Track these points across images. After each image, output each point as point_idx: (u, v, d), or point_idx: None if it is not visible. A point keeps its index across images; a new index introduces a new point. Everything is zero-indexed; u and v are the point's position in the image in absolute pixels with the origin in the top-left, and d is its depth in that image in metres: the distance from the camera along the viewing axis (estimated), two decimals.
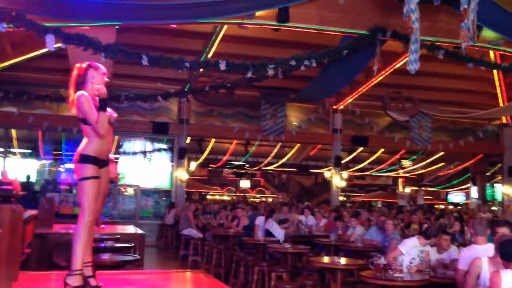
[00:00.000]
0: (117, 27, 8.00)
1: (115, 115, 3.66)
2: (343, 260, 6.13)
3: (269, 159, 21.03)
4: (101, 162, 3.50)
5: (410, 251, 5.39)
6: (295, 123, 15.89)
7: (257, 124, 15.19)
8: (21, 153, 17.66)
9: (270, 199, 25.96)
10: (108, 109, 3.54)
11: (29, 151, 17.95)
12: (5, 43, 11.22)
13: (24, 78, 13.37)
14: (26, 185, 14.41)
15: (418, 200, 18.88)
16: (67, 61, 9.36)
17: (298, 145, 19.27)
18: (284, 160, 21.03)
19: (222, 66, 7.80)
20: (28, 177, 15.27)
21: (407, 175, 23.55)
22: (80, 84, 3.53)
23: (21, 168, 16.54)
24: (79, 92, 3.47)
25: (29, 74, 13.26)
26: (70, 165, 16.28)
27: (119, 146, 15.96)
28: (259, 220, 9.59)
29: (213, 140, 18.58)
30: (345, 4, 8.30)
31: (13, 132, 15.69)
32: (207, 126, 15.23)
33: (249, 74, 8.12)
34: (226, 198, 25.59)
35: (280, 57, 8.28)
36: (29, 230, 6.30)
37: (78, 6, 6.74)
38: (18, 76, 13.18)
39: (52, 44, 6.69)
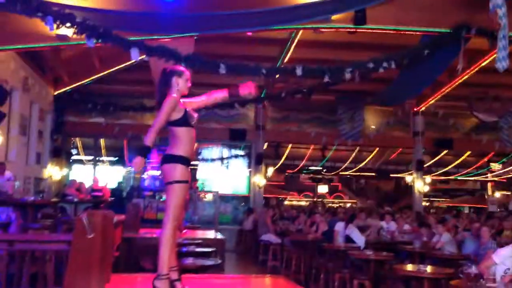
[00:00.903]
0: (195, 37, 8.24)
1: (195, 115, 3.76)
2: (429, 269, 5.87)
3: (347, 163, 20.73)
4: (189, 164, 3.59)
5: (505, 261, 5.05)
6: (373, 127, 15.54)
7: (334, 129, 15.01)
8: (108, 161, 18.70)
9: (348, 205, 25.50)
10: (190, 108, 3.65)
11: (116, 159, 18.96)
12: (94, 58, 11.99)
13: (110, 90, 14.18)
14: (114, 191, 15.20)
15: (510, 205, 17.74)
16: (149, 73, 9.79)
17: (377, 149, 18.83)
18: (362, 164, 20.64)
19: (299, 72, 7.78)
20: (119, 183, 16.10)
21: (496, 178, 22.24)
22: (165, 89, 3.66)
23: (109, 175, 17.50)
24: (170, 95, 3.58)
25: (114, 86, 14.05)
26: (153, 172, 17.00)
27: (197, 153, 16.42)
28: (339, 225, 9.45)
29: (290, 145, 18.61)
30: (424, 2, 8.00)
31: (102, 141, 16.61)
32: (284, 131, 15.26)
33: (326, 79, 8.03)
34: (303, 203, 25.48)
35: (358, 60, 8.13)
36: (118, 234, 6.64)
37: (160, 20, 7.03)
38: (105, 88, 14.00)
39: (137, 56, 7.03)
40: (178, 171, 3.48)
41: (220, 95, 3.96)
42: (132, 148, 16.98)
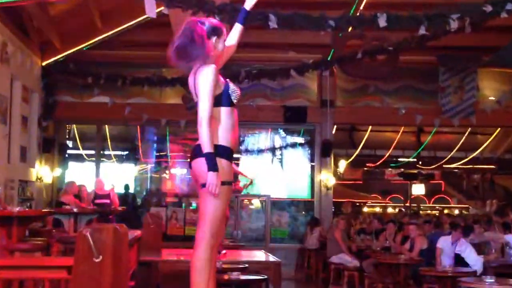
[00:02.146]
0: None
1: (238, 91, 3.79)
2: None
3: (453, 152, 20.36)
4: (232, 157, 3.70)
5: None
6: (491, 98, 15.17)
7: (434, 103, 14.76)
8: (116, 156, 19.11)
9: (456, 211, 25.00)
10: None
11: (125, 152, 19.33)
12: (94, 14, 12.21)
13: (118, 58, 14.46)
14: (125, 198, 15.55)
15: None
16: (169, 32, 9.89)
17: (498, 130, 18.38)
18: (476, 153, 20.23)
19: (382, 22, 7.69)
20: (127, 187, 16.44)
21: None
22: (200, 54, 3.71)
23: (117, 174, 17.89)
24: (209, 65, 3.67)
25: (123, 52, 14.29)
26: (178, 170, 17.27)
27: (239, 143, 16.53)
28: (444, 241, 9.33)
29: (369, 128, 18.41)
30: None
31: (107, 129, 16.93)
32: (361, 108, 15.11)
33: (422, 31, 7.90)
34: (390, 210, 25.16)
35: (468, 2, 7.94)
36: (133, 257, 6.79)
37: None
38: (110, 55, 14.28)
39: (153, 9, 7.10)
40: (221, 167, 3.55)
41: (233, 32, 4.09)
42: (148, 139, 17.28)
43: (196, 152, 3.67)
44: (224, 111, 3.70)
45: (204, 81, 3.63)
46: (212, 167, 3.51)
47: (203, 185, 3.56)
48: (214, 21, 3.94)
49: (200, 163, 3.61)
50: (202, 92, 3.63)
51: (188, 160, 3.84)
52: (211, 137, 3.57)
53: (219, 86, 3.70)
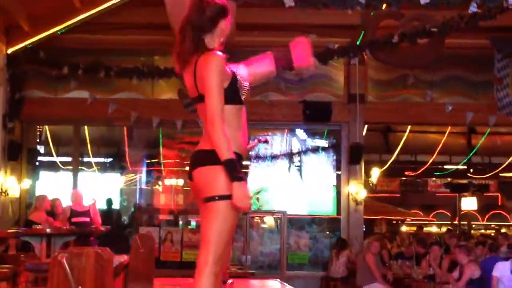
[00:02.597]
0: None
1: (247, 85, 3.81)
2: None
3: None
4: (242, 164, 3.74)
5: None
6: None
7: (488, 97, 14.78)
8: (98, 164, 19.11)
9: None
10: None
11: (109, 159, 19.33)
12: None
13: (99, 44, 14.47)
14: (108, 215, 15.55)
15: None
16: (163, 11, 9.91)
17: None
18: None
19: None
20: (111, 202, 16.47)
21: None
22: (201, 38, 3.79)
23: (99, 186, 17.87)
24: (213, 53, 3.72)
25: (105, 36, 14.31)
26: (175, 181, 17.25)
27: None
28: (502, 268, 9.29)
29: (408, 128, 18.35)
30: None
31: (86, 130, 16.95)
32: (398, 104, 15.06)
33: (473, 8, 7.88)
34: (435, 229, 25.09)
35: None
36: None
37: None
38: (91, 41, 14.29)
39: None
40: (224, 178, 3.57)
41: (262, 68, 4.01)
42: (136, 142, 17.27)
43: (199, 159, 3.71)
44: (229, 109, 3.71)
45: (211, 71, 3.65)
46: (237, 176, 3.53)
47: (207, 199, 3.59)
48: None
49: (205, 173, 3.64)
50: (210, 85, 3.64)
51: (188, 168, 3.86)
52: (228, 139, 3.58)
53: (225, 79, 3.71)
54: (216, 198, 3.55)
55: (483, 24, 11.18)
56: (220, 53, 3.74)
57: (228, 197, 3.53)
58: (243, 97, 3.78)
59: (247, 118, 3.86)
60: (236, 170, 3.55)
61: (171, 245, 14.17)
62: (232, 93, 3.71)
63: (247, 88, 3.81)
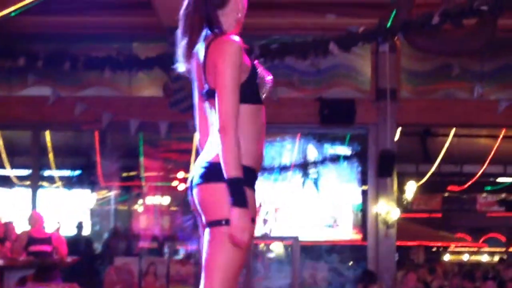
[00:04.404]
0: None
1: (270, 80, 3.81)
2: None
3: None
4: (256, 181, 3.75)
5: None
6: None
7: None
8: (62, 178, 19.08)
9: None
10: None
11: (77, 172, 19.31)
12: None
13: (63, 27, 14.45)
14: (76, 243, 15.50)
15: None
16: None
17: None
18: None
19: None
20: (79, 226, 16.44)
21: None
22: (213, 9, 3.80)
23: (64, 206, 17.87)
24: (228, 37, 3.73)
25: (71, 18, 14.28)
26: (159, 199, 17.23)
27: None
28: None
29: (452, 131, 18.34)
30: None
31: (48, 137, 16.93)
32: (439, 102, 15.10)
33: None
34: (486, 259, 25.04)
35: None
36: None
37: None
38: (52, 24, 14.26)
39: None
40: (234, 211, 3.55)
41: None
42: (110, 150, 17.23)
43: (205, 172, 3.69)
44: (246, 110, 3.69)
45: (226, 61, 3.62)
46: (240, 200, 3.54)
47: (212, 223, 3.61)
48: None
49: (211, 191, 3.64)
50: (224, 79, 3.61)
51: (185, 183, 3.90)
52: (239, 153, 3.57)
53: (242, 72, 3.69)
54: (223, 222, 3.56)
55: None
56: (237, 38, 3.74)
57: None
58: (264, 96, 3.76)
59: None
60: (240, 192, 3.53)
61: (154, 280, 14.10)
62: (250, 90, 3.70)
63: (270, 83, 3.80)
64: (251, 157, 3.67)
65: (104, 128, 14.98)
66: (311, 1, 13.23)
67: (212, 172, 3.63)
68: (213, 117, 3.71)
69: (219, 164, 3.58)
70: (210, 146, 3.74)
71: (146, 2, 9.83)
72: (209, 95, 3.71)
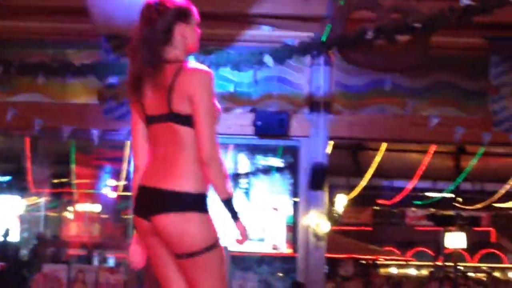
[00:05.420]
0: None
1: (219, 110, 4.04)
2: None
3: (509, 185, 20.50)
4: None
5: None
6: None
7: (482, 109, 14.95)
8: None
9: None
10: None
11: (6, 178, 19.08)
12: None
13: None
14: (2, 249, 15.31)
15: None
16: None
17: None
18: None
19: None
20: (5, 232, 16.23)
21: None
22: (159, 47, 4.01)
23: None
24: (205, 69, 3.99)
25: (3, 22, 14.11)
26: (89, 206, 17.10)
27: None
28: None
29: (383, 146, 18.49)
30: None
31: None
32: (372, 116, 15.16)
33: (466, 0, 7.96)
34: (414, 272, 25.28)
35: None
36: None
37: None
38: None
39: None
40: (207, 226, 3.97)
41: None
42: (41, 157, 17.07)
43: (165, 202, 3.86)
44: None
45: (205, 91, 3.88)
46: (237, 214, 4.08)
47: (192, 254, 3.85)
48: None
49: (179, 223, 3.83)
50: (207, 110, 3.86)
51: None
52: (227, 175, 3.98)
53: None
54: (205, 251, 3.87)
55: (478, 20, 11.28)
56: (210, 69, 4.00)
57: (215, 245, 3.96)
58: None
59: None
60: (235, 208, 4.01)
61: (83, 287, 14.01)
62: None
63: (220, 113, 4.01)
64: (205, 181, 3.91)
65: (35, 134, 14.85)
66: (247, 13, 13.23)
67: (176, 202, 3.83)
68: (171, 141, 3.91)
69: (182, 194, 3.82)
70: (164, 171, 3.92)
71: (81, 8, 9.75)
72: (176, 119, 3.87)
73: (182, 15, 4.06)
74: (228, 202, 3.90)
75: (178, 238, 3.82)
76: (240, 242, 4.12)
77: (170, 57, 3.98)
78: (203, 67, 4.00)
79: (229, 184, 3.89)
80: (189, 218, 3.83)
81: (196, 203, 3.85)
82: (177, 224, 3.80)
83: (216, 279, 3.87)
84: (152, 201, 3.88)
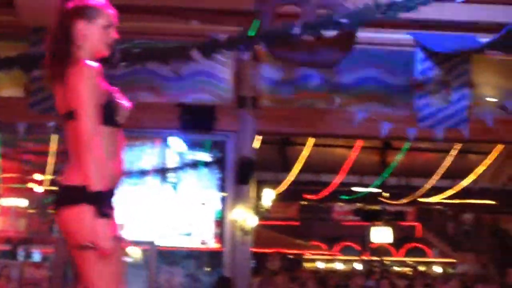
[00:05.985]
0: None
1: (127, 107, 3.94)
2: None
3: (434, 180, 20.71)
4: (112, 199, 3.89)
5: None
6: (492, 100, 15.53)
7: (407, 105, 15.09)
8: None
9: (438, 269, 25.53)
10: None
11: None
12: None
13: None
14: None
15: None
16: None
17: (501, 147, 18.83)
18: (467, 182, 20.61)
19: None
20: None
21: None
22: (66, 48, 3.95)
23: None
24: (84, 63, 3.86)
25: None
26: (14, 201, 16.90)
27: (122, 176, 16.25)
28: None
29: (310, 141, 18.56)
30: None
31: None
32: (298, 111, 15.22)
33: None
34: (341, 266, 25.44)
35: None
36: None
37: None
38: None
39: None
40: (98, 222, 3.67)
41: None
42: None
43: (63, 196, 3.81)
44: (103, 132, 3.83)
45: (82, 84, 3.75)
46: (103, 212, 3.70)
47: (82, 247, 3.69)
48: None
49: (72, 215, 3.71)
50: (82, 100, 3.73)
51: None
52: (101, 169, 3.71)
53: (100, 95, 3.85)
54: (91, 245, 3.67)
55: (404, 17, 11.40)
56: (92, 63, 3.86)
57: (102, 241, 3.67)
58: (122, 121, 3.85)
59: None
60: (105, 205, 3.71)
61: (6, 283, 13.85)
62: (106, 113, 3.85)
63: (127, 110, 3.91)
64: (107, 176, 3.77)
65: None
66: (174, 6, 13.20)
67: (71, 195, 3.73)
68: (72, 139, 3.85)
69: (76, 187, 3.71)
70: (69, 167, 3.87)
71: (8, 1, 9.66)
72: (67, 116, 3.83)
73: (85, 13, 3.96)
74: (95, 196, 3.67)
75: (66, 230, 3.77)
76: (99, 246, 3.67)
77: (73, 56, 3.91)
78: (87, 62, 3.87)
79: (98, 178, 3.69)
80: (77, 211, 3.71)
81: (85, 197, 3.68)
82: (68, 215, 3.73)
83: (100, 277, 3.72)
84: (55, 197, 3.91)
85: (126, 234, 15.26)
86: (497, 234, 26.46)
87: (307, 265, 25.08)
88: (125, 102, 3.96)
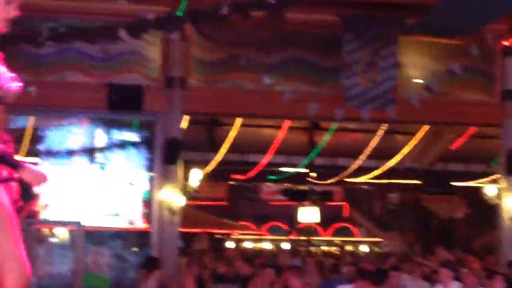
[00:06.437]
0: None
1: (14, 86, 3.79)
2: None
3: (360, 160, 20.81)
4: None
5: None
6: (418, 81, 15.64)
7: (335, 85, 15.12)
8: None
9: (364, 248, 25.72)
10: None
11: None
12: None
13: None
14: None
15: None
16: None
17: (426, 128, 18.98)
18: (393, 162, 20.75)
19: None
20: None
21: None
22: None
23: None
24: None
25: None
26: None
27: (36, 139, 16.05)
28: None
29: (238, 121, 18.52)
30: None
31: None
32: (226, 91, 15.18)
33: None
34: (268, 246, 25.45)
35: None
36: None
37: None
38: None
39: None
40: None
41: None
42: None
43: None
44: None
45: None
46: (18, 163, 3.62)
47: None
48: None
49: None
50: None
51: None
52: None
53: None
54: None
55: None
56: None
57: None
58: (3, 99, 3.77)
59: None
60: (13, 158, 3.60)
61: None
62: None
63: (10, 91, 3.79)
64: None
65: None
66: None
67: None
68: None
69: None
70: None
71: None
72: None
73: None
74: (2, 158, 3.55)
75: None
76: (38, 183, 3.63)
77: None
78: None
79: None
80: None
81: None
82: None
83: None
84: None
85: (51, 214, 15.16)
86: (422, 213, 26.74)
87: (234, 245, 25.02)
88: (9, 82, 3.82)
